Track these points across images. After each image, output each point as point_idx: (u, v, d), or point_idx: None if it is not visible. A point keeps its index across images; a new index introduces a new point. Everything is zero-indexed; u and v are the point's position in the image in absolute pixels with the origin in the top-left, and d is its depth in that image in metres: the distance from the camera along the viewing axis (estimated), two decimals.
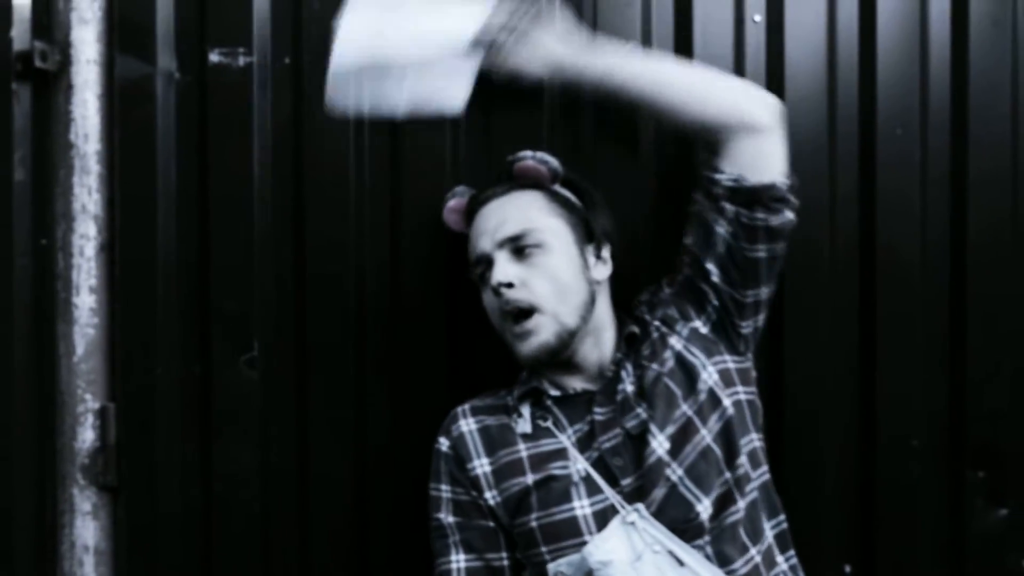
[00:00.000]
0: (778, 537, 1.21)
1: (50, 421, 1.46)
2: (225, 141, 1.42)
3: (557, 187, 1.25)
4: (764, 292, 1.21)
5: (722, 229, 1.18)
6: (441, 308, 1.39)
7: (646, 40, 1.40)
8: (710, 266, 1.20)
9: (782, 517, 1.24)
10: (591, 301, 1.20)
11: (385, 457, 1.41)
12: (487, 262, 1.19)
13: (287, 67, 1.41)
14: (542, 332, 1.16)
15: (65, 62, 1.42)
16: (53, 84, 1.43)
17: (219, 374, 1.43)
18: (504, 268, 1.16)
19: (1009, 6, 1.38)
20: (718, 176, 1.17)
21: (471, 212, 1.25)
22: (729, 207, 1.17)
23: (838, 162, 1.40)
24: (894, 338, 1.40)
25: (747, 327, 1.22)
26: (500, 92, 1.32)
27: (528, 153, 1.23)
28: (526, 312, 1.16)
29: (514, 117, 1.40)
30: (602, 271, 1.24)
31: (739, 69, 1.39)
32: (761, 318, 1.24)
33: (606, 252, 1.25)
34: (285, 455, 1.44)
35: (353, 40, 1.23)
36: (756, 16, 1.39)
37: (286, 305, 1.43)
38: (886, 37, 1.39)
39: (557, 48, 1.23)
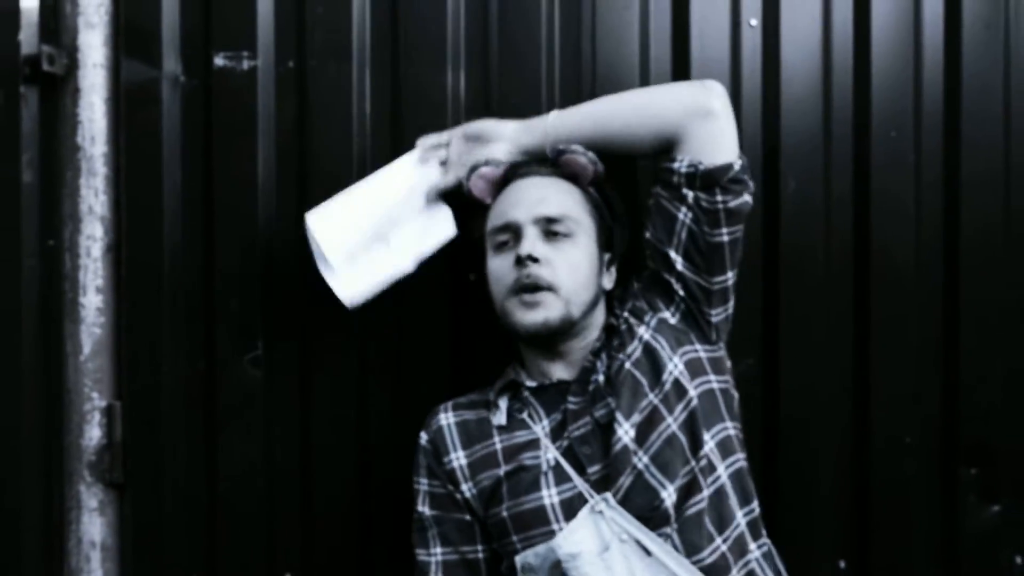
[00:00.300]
0: (750, 524, 1.21)
1: (57, 419, 1.46)
2: (230, 144, 1.44)
3: (592, 190, 1.26)
4: (730, 278, 1.23)
5: (683, 216, 1.20)
6: (443, 308, 1.41)
7: (644, 43, 1.42)
8: (674, 255, 1.21)
9: (755, 504, 1.23)
10: (595, 303, 1.23)
11: (387, 454, 1.42)
12: (515, 231, 1.20)
13: (291, 71, 1.42)
14: (551, 309, 1.17)
15: (72, 66, 1.43)
16: (60, 88, 1.44)
17: (223, 373, 1.44)
18: (535, 243, 1.17)
19: (1001, 10, 1.41)
20: (675, 164, 1.19)
21: (504, 182, 1.25)
22: (689, 193, 1.18)
23: (833, 164, 1.42)
24: (888, 338, 1.42)
25: (717, 315, 1.23)
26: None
27: (579, 148, 1.22)
28: (541, 287, 1.17)
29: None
30: (608, 281, 1.27)
31: (735, 72, 1.41)
32: (730, 305, 1.25)
33: (614, 267, 1.28)
34: (288, 452, 1.45)
35: (331, 240, 1.27)
36: (752, 20, 1.41)
37: (289, 305, 1.44)
38: (880, 41, 1.41)
39: (505, 133, 1.26)
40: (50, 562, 1.47)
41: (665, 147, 1.21)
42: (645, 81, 1.42)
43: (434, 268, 1.39)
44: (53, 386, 1.46)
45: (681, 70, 1.41)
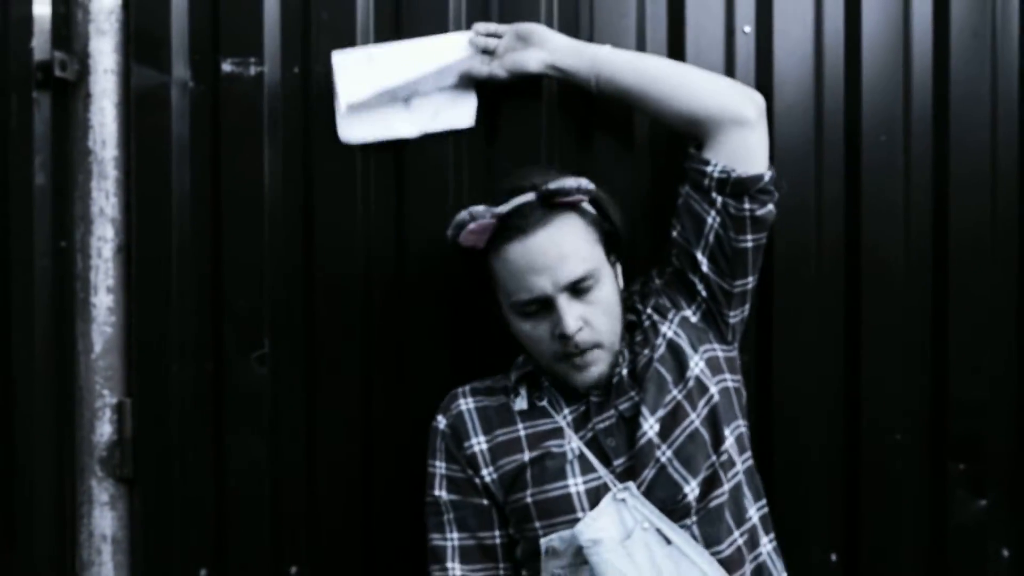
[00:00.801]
0: (762, 520, 1.23)
1: (69, 415, 1.46)
2: (237, 147, 1.43)
3: (586, 206, 1.20)
4: (751, 282, 1.25)
5: (712, 220, 1.21)
6: (445, 307, 1.41)
7: (640, 48, 1.41)
8: (700, 257, 1.22)
9: (764, 501, 1.25)
10: (623, 314, 1.21)
11: (390, 450, 1.43)
12: (543, 303, 1.13)
13: (296, 76, 1.43)
14: (600, 363, 1.16)
15: (84, 71, 1.43)
16: (72, 93, 1.44)
17: (231, 370, 1.45)
18: (572, 316, 1.11)
19: (988, 18, 1.42)
20: (708, 168, 1.20)
21: (502, 237, 1.14)
22: (718, 198, 1.20)
23: (825, 167, 1.42)
24: (878, 336, 1.43)
25: (735, 316, 1.25)
26: (504, 96, 1.38)
27: (570, 181, 1.13)
28: (588, 348, 1.15)
29: (513, 118, 1.41)
30: (621, 279, 1.25)
31: (729, 77, 1.39)
32: (747, 308, 1.27)
33: (619, 261, 1.26)
34: (294, 448, 1.45)
35: (353, 79, 1.33)
36: (746, 27, 1.42)
37: (295, 304, 1.44)
38: (871, 47, 1.42)
39: (558, 43, 1.29)
40: (62, 555, 1.47)
41: (689, 131, 1.23)
42: None
43: (437, 269, 1.41)
44: (65, 383, 1.46)
45: None
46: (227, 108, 1.43)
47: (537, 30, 1.31)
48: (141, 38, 1.43)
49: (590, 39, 1.41)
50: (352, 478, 1.45)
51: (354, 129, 1.39)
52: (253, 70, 1.43)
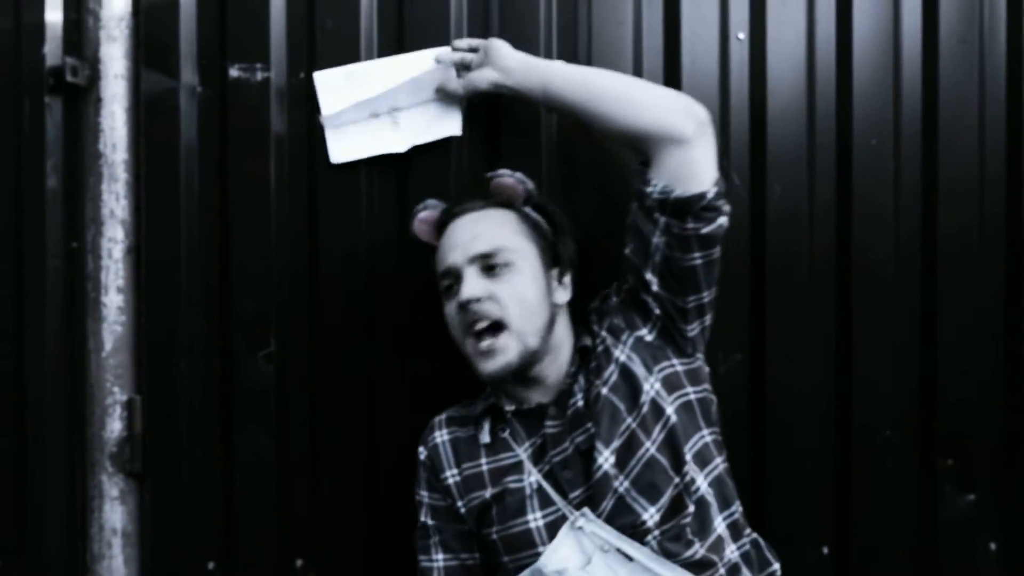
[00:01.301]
0: (731, 527, 1.21)
1: (80, 412, 1.49)
2: (244, 151, 1.46)
3: (529, 209, 1.25)
4: (705, 296, 1.20)
5: (656, 239, 1.16)
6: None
7: (637, 56, 1.44)
8: (649, 276, 1.19)
9: (735, 506, 1.23)
10: (551, 323, 1.20)
11: (392, 446, 1.44)
12: (455, 275, 1.18)
13: (302, 81, 1.45)
14: (508, 351, 1.16)
15: (94, 77, 1.46)
16: (83, 97, 1.47)
17: (238, 369, 1.47)
18: (473, 284, 1.15)
19: (976, 25, 1.44)
20: (648, 189, 1.15)
21: (442, 224, 1.24)
22: (660, 218, 1.15)
23: (817, 171, 1.44)
24: (869, 336, 1.44)
25: (692, 330, 1.21)
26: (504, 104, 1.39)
27: (506, 171, 1.23)
28: (492, 328, 1.15)
29: (516, 132, 1.43)
30: (563, 295, 1.24)
31: (724, 83, 1.43)
32: (707, 319, 1.23)
33: (567, 278, 1.25)
34: (300, 444, 1.47)
35: (334, 96, 1.38)
36: (740, 34, 1.44)
37: (301, 304, 1.46)
38: (861, 54, 1.44)
39: (510, 62, 1.27)
40: (74, 547, 1.50)
41: (634, 149, 1.20)
42: None
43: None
44: (76, 381, 1.49)
45: (673, 82, 1.43)
46: (234, 113, 1.46)
47: (493, 47, 1.29)
48: (151, 44, 1.46)
49: (588, 44, 1.44)
50: (356, 473, 1.47)
51: (343, 149, 1.41)
52: (260, 76, 1.45)
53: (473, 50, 1.35)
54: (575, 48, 1.44)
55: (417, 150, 1.43)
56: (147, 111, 1.46)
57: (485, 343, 1.16)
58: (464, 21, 1.44)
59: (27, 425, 1.48)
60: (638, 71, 1.45)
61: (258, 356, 1.47)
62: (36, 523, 1.49)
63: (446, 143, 1.42)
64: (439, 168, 1.44)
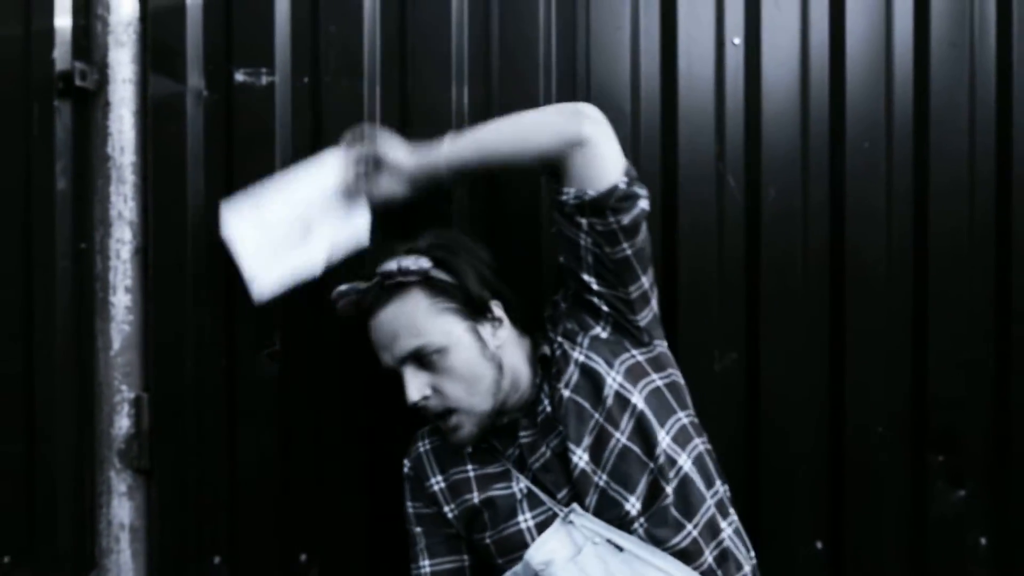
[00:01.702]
0: (718, 505, 1.22)
1: (89, 409, 1.50)
2: (249, 154, 1.47)
3: (432, 274, 1.20)
4: (645, 282, 1.22)
5: (584, 241, 1.18)
6: None
7: (635, 60, 1.46)
8: (587, 277, 1.20)
9: (719, 485, 1.24)
10: (499, 372, 1.21)
11: (393, 443, 1.43)
12: (395, 373, 1.21)
13: (306, 86, 1.46)
14: (465, 426, 1.20)
15: (103, 81, 1.47)
16: (92, 101, 1.48)
17: (243, 367, 1.48)
18: (414, 385, 1.18)
19: (966, 30, 1.46)
20: (563, 197, 1.17)
21: (362, 314, 1.24)
22: (582, 220, 1.17)
23: (810, 173, 1.46)
24: (861, 335, 1.46)
25: (643, 318, 1.23)
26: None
27: (392, 264, 1.18)
28: (444, 414, 1.20)
29: None
30: (501, 334, 1.23)
31: (719, 87, 1.46)
32: (654, 304, 1.24)
33: (498, 310, 1.24)
34: (303, 440, 1.49)
35: (247, 239, 1.33)
36: (735, 39, 1.46)
37: (305, 304, 1.45)
38: (854, 59, 1.46)
39: (404, 164, 1.25)
40: (82, 542, 1.51)
41: (552, 167, 1.20)
42: (636, 95, 1.46)
43: None
44: (85, 379, 1.50)
45: (669, 85, 1.46)
46: (240, 116, 1.47)
47: (381, 153, 1.27)
48: (158, 49, 1.47)
49: (587, 48, 1.46)
50: (357, 470, 1.49)
51: (263, 285, 1.33)
52: (264, 80, 1.46)
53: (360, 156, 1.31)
54: (573, 53, 1.47)
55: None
56: (154, 115, 1.47)
57: (443, 424, 1.21)
58: (465, 25, 1.46)
59: (37, 422, 1.49)
60: (635, 75, 1.47)
61: (263, 354, 1.48)
62: (45, 518, 1.50)
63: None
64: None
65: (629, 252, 1.19)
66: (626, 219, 1.17)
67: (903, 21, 1.46)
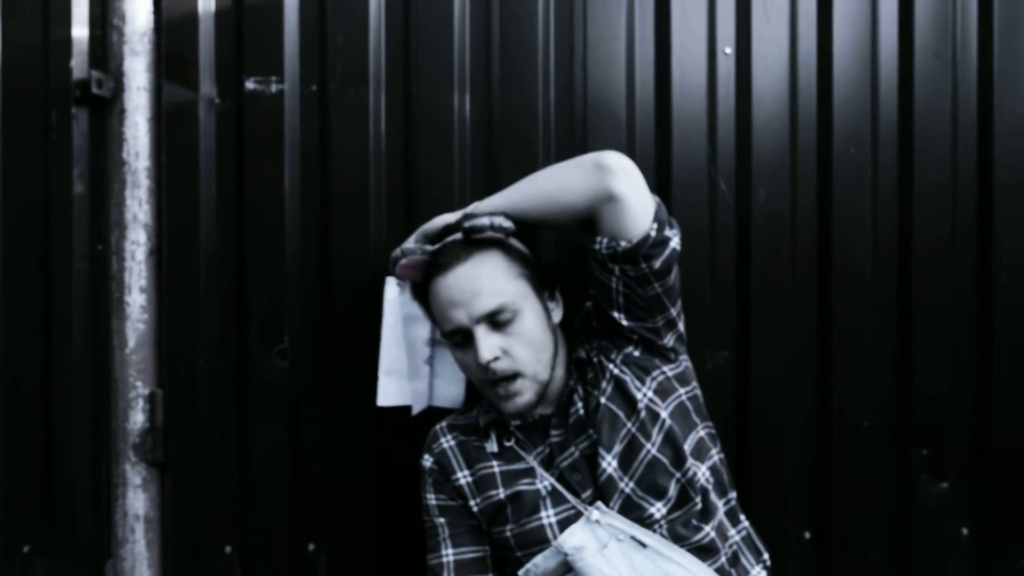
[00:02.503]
0: (728, 513, 1.27)
1: (105, 405, 1.53)
2: (259, 159, 1.50)
3: (512, 241, 1.24)
4: (673, 312, 1.25)
5: (616, 284, 1.21)
6: None
7: (630, 69, 1.49)
8: (617, 315, 1.24)
9: (732, 494, 1.29)
10: (556, 348, 1.25)
11: (399, 437, 1.48)
12: (464, 333, 1.19)
13: (314, 93, 1.50)
14: (525, 393, 1.21)
15: (118, 89, 1.50)
16: (108, 108, 1.51)
17: (254, 364, 1.51)
18: (486, 345, 1.17)
19: (949, 41, 1.49)
20: (596, 247, 1.19)
21: (430, 273, 1.22)
22: (615, 267, 1.19)
23: (799, 177, 1.49)
24: (848, 333, 1.49)
25: (670, 340, 1.27)
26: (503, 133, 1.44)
27: (484, 220, 1.20)
28: (509, 377, 1.19)
29: (513, 147, 1.49)
30: (558, 313, 1.28)
31: (711, 95, 1.49)
32: (679, 327, 1.28)
33: (557, 292, 1.29)
34: (311, 435, 1.52)
35: (403, 399, 1.45)
36: (727, 49, 1.49)
37: (313, 303, 1.50)
38: (841, 67, 1.49)
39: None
40: (99, 532, 1.54)
41: (585, 223, 1.22)
42: (631, 102, 1.49)
43: None
44: (101, 376, 1.53)
45: (663, 93, 1.49)
46: (250, 123, 1.51)
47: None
48: (171, 58, 1.50)
49: (584, 59, 1.50)
50: (364, 462, 1.52)
51: (385, 397, 1.46)
52: (274, 88, 1.50)
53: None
54: (571, 61, 1.50)
55: (421, 159, 1.48)
56: (168, 121, 1.50)
57: (503, 390, 1.20)
58: (466, 35, 1.50)
59: (55, 417, 1.52)
60: (630, 83, 1.50)
61: (273, 352, 1.51)
62: (63, 509, 1.53)
63: (448, 150, 1.48)
64: (443, 177, 1.49)
65: (660, 291, 1.21)
66: (657, 263, 1.18)
67: (888, 31, 1.49)
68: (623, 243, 1.17)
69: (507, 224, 1.21)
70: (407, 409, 1.48)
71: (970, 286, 1.51)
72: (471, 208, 1.28)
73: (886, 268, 1.50)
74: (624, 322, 1.24)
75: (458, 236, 1.22)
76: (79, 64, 1.51)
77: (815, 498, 1.52)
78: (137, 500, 1.54)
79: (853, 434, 1.51)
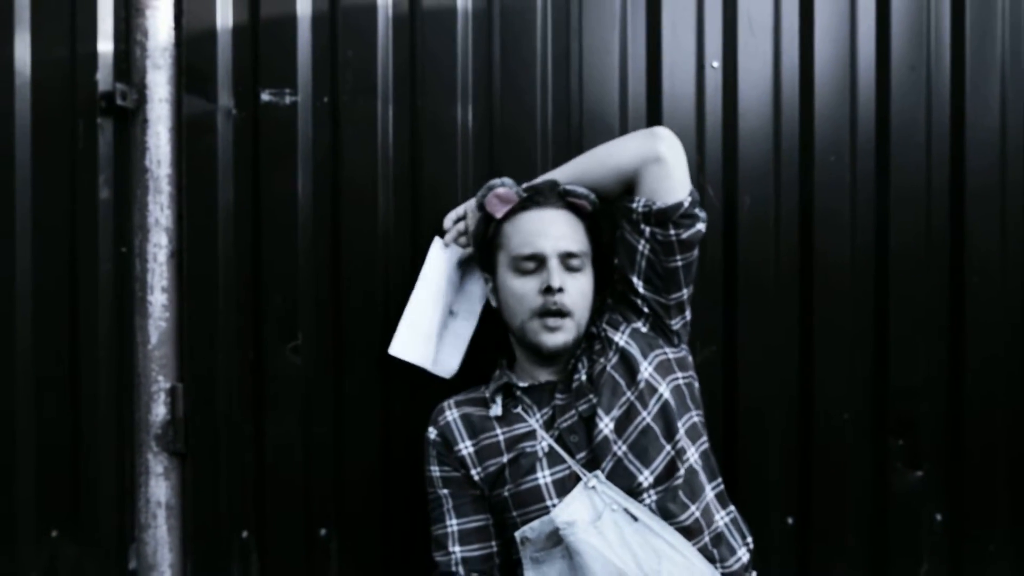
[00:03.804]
0: (718, 496, 1.33)
1: (129, 398, 1.58)
2: (274, 166, 1.56)
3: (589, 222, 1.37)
4: (684, 294, 1.35)
5: (642, 247, 1.31)
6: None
7: (623, 81, 1.55)
8: (636, 280, 1.33)
9: (719, 480, 1.35)
10: (589, 311, 1.35)
11: (406, 428, 1.52)
12: (541, 260, 1.30)
13: (325, 105, 1.55)
14: (568, 332, 1.30)
15: (141, 101, 1.55)
16: (131, 119, 1.56)
17: (269, 359, 1.56)
18: (561, 275, 1.29)
19: (924, 55, 1.55)
20: (633, 204, 1.31)
21: (523, 206, 1.33)
22: (646, 228, 1.30)
23: (782, 183, 1.55)
24: (828, 330, 1.55)
25: (676, 323, 1.36)
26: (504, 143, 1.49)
27: (580, 189, 1.34)
28: (559, 313, 1.29)
29: (512, 155, 1.54)
30: (598, 298, 1.38)
31: (700, 106, 1.55)
32: (687, 314, 1.37)
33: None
34: (323, 426, 1.57)
35: (416, 355, 1.47)
36: (714, 63, 1.55)
37: (325, 302, 1.56)
38: (822, 79, 1.55)
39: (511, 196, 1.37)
40: (122, 518, 1.60)
41: (629, 189, 1.35)
42: (624, 113, 1.55)
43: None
44: (125, 371, 1.58)
45: (654, 104, 1.55)
46: (265, 132, 1.56)
47: (472, 208, 1.43)
48: (191, 72, 1.57)
49: (580, 74, 1.56)
50: (373, 452, 1.57)
51: (447, 365, 1.50)
52: (288, 99, 1.55)
53: (460, 218, 1.47)
54: (567, 74, 1.56)
55: (426, 166, 1.54)
56: (188, 131, 1.56)
57: (553, 321, 1.30)
58: (469, 50, 1.56)
59: (82, 410, 1.57)
60: (623, 94, 1.56)
61: (286, 348, 1.56)
62: (89, 497, 1.58)
63: (451, 158, 1.54)
64: (447, 181, 1.55)
65: (680, 264, 1.32)
66: (685, 234, 1.30)
67: (866, 46, 1.55)
68: (658, 203, 1.28)
69: (593, 197, 1.35)
70: (413, 401, 1.53)
71: (943, 285, 1.57)
72: (540, 179, 1.38)
73: (864, 268, 1.56)
74: (640, 289, 1.33)
75: (551, 183, 1.35)
76: (104, 77, 1.57)
77: (797, 486, 1.57)
78: (159, 488, 1.59)
79: (833, 425, 1.56)
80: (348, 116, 1.56)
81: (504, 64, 1.57)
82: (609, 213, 1.42)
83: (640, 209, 1.31)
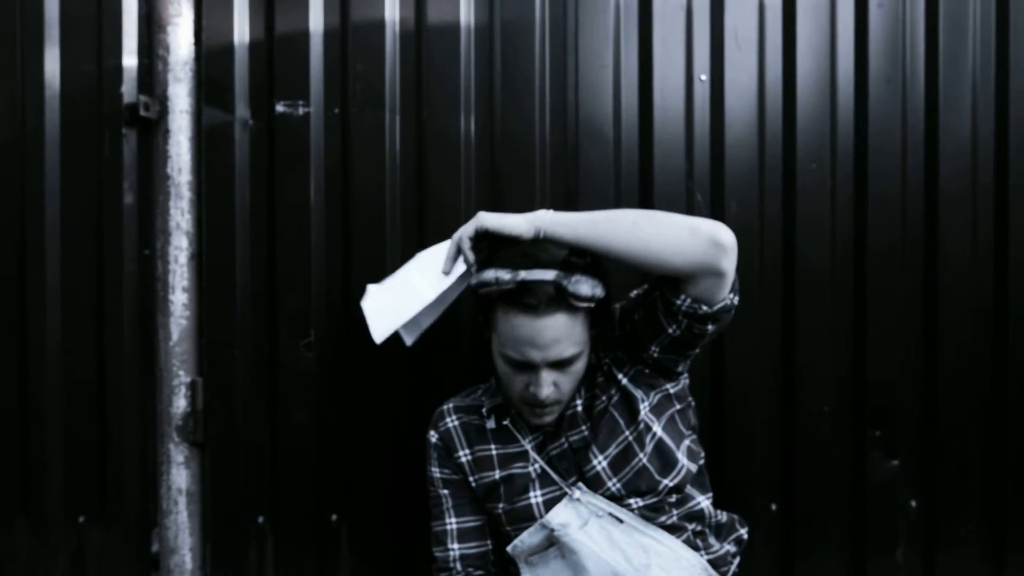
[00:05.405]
0: (704, 508, 1.33)
1: (152, 391, 1.64)
2: (288, 173, 1.61)
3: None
4: (697, 350, 1.28)
5: (672, 330, 1.21)
6: (456, 307, 1.45)
7: (616, 93, 1.60)
8: (653, 347, 1.25)
9: (710, 494, 1.36)
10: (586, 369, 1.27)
11: (413, 421, 1.57)
12: (530, 367, 1.19)
13: (336, 116, 1.62)
14: (555, 413, 1.26)
15: (163, 112, 1.61)
16: (154, 129, 1.62)
17: (283, 355, 1.62)
18: (547, 385, 1.19)
19: (899, 69, 1.61)
20: (678, 302, 1.17)
21: (511, 301, 1.16)
22: (684, 320, 1.19)
23: (766, 190, 1.60)
24: (809, 327, 1.60)
25: (682, 367, 1.32)
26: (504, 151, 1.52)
27: (586, 289, 1.15)
28: (552, 403, 1.23)
29: (513, 163, 1.59)
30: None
31: (688, 117, 1.60)
32: (694, 354, 1.30)
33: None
34: (334, 418, 1.62)
35: (374, 301, 1.32)
36: (702, 76, 1.61)
37: (336, 301, 1.61)
38: (804, 92, 1.60)
39: (510, 225, 1.19)
40: (145, 504, 1.67)
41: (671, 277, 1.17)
42: (618, 123, 1.59)
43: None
44: (148, 366, 1.64)
45: (646, 115, 1.60)
46: (280, 141, 1.62)
47: (479, 220, 1.21)
48: (210, 85, 1.63)
49: (576, 86, 1.62)
50: (381, 443, 1.62)
51: (379, 332, 1.30)
52: (301, 111, 1.61)
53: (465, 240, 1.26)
54: (564, 87, 1.61)
55: (432, 173, 1.59)
56: (207, 140, 1.62)
57: (539, 410, 1.24)
58: (472, 64, 1.62)
59: (108, 403, 1.64)
60: (617, 106, 1.61)
61: (300, 345, 1.62)
62: (115, 484, 1.65)
63: (455, 166, 1.59)
64: (452, 190, 1.61)
65: (709, 332, 1.22)
66: (719, 326, 1.21)
67: (845, 60, 1.61)
68: (704, 307, 1.16)
69: (602, 294, 1.18)
70: (419, 395, 1.57)
71: (918, 284, 1.62)
72: (546, 218, 1.18)
73: (843, 269, 1.61)
74: (655, 355, 1.26)
75: (548, 276, 1.15)
76: (129, 90, 1.63)
77: (781, 474, 1.63)
78: (180, 476, 1.64)
79: (813, 417, 1.61)
80: (357, 126, 1.62)
81: (505, 77, 1.62)
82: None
83: (685, 309, 1.17)
